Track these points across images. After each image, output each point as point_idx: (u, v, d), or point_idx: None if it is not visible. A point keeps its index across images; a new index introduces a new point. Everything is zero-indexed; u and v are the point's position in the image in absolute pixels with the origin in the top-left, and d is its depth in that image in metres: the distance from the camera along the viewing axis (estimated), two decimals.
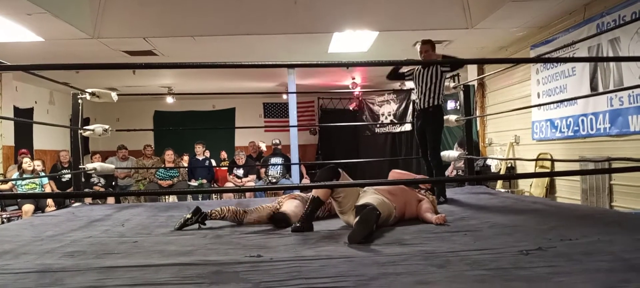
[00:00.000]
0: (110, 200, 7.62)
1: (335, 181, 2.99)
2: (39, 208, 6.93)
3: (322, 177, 3.04)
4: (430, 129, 4.37)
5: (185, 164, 9.21)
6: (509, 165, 7.41)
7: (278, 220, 3.05)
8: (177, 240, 2.65)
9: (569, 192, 6.10)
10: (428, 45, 4.38)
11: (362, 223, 2.50)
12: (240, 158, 8.91)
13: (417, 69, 4.42)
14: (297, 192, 3.42)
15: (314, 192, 3.00)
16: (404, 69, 4.64)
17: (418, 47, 4.46)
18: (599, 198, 5.43)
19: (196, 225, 3.08)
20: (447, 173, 6.78)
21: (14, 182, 7.08)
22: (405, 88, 9.86)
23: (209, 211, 3.16)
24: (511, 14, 5.87)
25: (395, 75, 4.74)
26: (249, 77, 9.92)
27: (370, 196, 2.94)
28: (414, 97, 4.57)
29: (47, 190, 7.48)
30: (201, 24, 6.29)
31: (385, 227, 2.87)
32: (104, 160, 8.27)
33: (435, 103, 4.30)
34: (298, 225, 2.89)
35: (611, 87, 5.09)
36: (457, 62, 4.62)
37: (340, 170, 3.07)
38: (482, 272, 1.83)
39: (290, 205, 3.17)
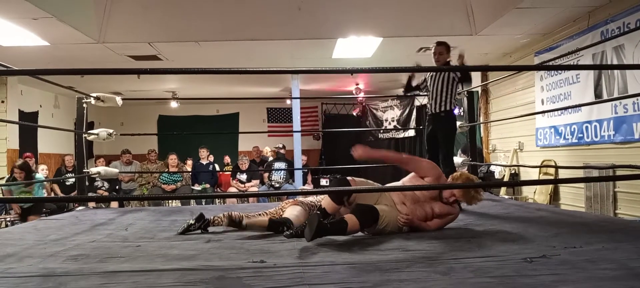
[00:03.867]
0: (114, 204, 7.64)
1: (345, 195, 2.93)
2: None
3: (335, 195, 2.95)
4: (442, 134, 4.28)
5: (189, 169, 9.24)
6: (513, 171, 7.39)
7: (278, 224, 3.02)
8: (180, 245, 2.65)
9: (573, 199, 6.08)
10: (442, 47, 4.30)
11: (307, 225, 2.61)
12: (244, 163, 8.93)
13: (429, 74, 4.38)
14: (300, 198, 3.41)
15: (323, 203, 2.97)
16: (416, 81, 4.60)
17: (432, 48, 4.39)
18: (603, 206, 5.40)
19: (199, 232, 3.08)
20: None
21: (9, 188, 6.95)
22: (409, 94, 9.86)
23: (212, 218, 3.16)
24: (515, 21, 5.87)
25: (407, 88, 4.70)
26: (253, 82, 9.94)
27: (379, 205, 2.89)
28: (425, 102, 4.53)
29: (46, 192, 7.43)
30: (206, 29, 6.31)
31: (393, 234, 2.84)
32: (108, 164, 8.31)
33: (447, 108, 4.24)
34: (291, 232, 2.84)
35: (615, 95, 5.08)
36: (466, 70, 4.40)
37: (349, 179, 3.01)
38: (486, 279, 1.82)
39: (292, 211, 3.16)
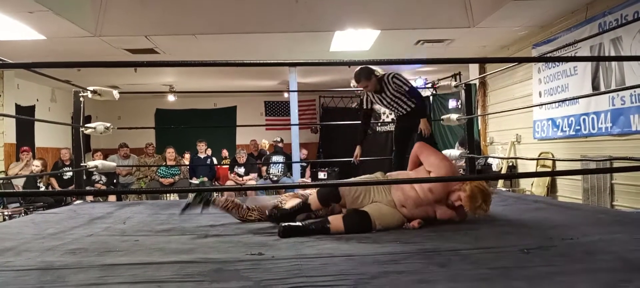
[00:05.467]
0: (112, 198, 7.63)
1: (333, 203, 2.88)
2: None
3: (322, 195, 2.88)
4: (417, 131, 4.17)
5: (187, 162, 9.23)
6: (510, 164, 7.41)
7: (277, 217, 3.02)
8: (178, 239, 2.65)
9: (570, 191, 6.10)
10: (363, 80, 4.05)
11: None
12: (242, 157, 8.93)
13: (373, 98, 4.23)
14: (299, 191, 3.40)
15: (310, 198, 2.94)
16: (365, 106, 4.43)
17: (354, 84, 4.24)
18: (600, 198, 5.42)
19: (199, 209, 3.07)
20: None
21: None
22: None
23: (213, 198, 3.13)
24: (513, 14, 5.86)
25: (365, 122, 4.56)
26: (251, 75, 9.92)
27: (374, 205, 2.80)
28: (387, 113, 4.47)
29: None
30: (203, 22, 6.29)
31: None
32: (105, 158, 8.30)
33: (412, 107, 4.18)
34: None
35: (613, 87, 5.09)
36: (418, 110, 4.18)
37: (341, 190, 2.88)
38: (483, 271, 1.83)
39: (292, 204, 3.16)
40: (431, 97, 10.40)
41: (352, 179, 3.00)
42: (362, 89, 4.17)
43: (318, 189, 2.96)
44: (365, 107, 4.42)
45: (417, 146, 3.07)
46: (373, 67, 4.12)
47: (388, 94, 4.12)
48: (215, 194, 3.17)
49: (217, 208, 3.17)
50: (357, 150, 4.48)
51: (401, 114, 4.24)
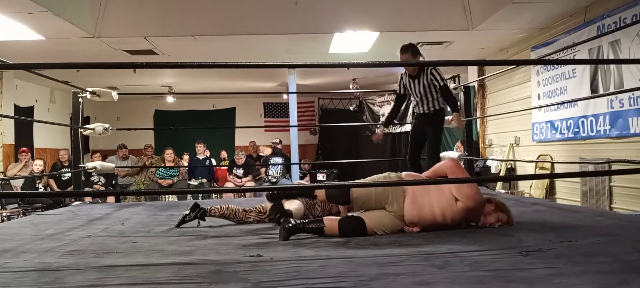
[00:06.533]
0: (110, 199, 7.62)
1: (343, 204, 2.86)
2: None
3: (331, 194, 2.85)
4: (431, 130, 4.29)
5: (186, 163, 9.23)
6: (509, 166, 7.41)
7: (279, 216, 3.01)
8: (177, 240, 2.65)
9: (568, 193, 6.10)
10: (407, 54, 4.12)
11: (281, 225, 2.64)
12: (240, 158, 8.92)
13: (407, 82, 4.32)
14: None
15: (317, 191, 2.94)
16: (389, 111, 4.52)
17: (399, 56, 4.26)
18: (598, 200, 5.43)
19: (196, 222, 3.08)
20: None
21: None
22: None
23: (209, 208, 3.16)
24: (512, 16, 5.87)
25: (388, 122, 4.68)
26: (250, 76, 9.92)
27: (376, 213, 2.73)
28: (412, 104, 4.52)
29: None
30: (202, 24, 6.29)
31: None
32: (104, 159, 8.28)
33: (436, 107, 4.25)
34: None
35: (611, 89, 5.09)
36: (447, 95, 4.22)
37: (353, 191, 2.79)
38: (481, 273, 1.83)
39: (291, 205, 3.16)
40: None
41: (364, 181, 2.96)
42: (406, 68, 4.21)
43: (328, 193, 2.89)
44: (400, 91, 4.46)
45: (450, 164, 2.89)
46: None
47: (423, 82, 4.15)
48: (209, 206, 3.18)
49: (214, 217, 3.18)
50: (380, 130, 4.49)
51: (425, 111, 4.24)
